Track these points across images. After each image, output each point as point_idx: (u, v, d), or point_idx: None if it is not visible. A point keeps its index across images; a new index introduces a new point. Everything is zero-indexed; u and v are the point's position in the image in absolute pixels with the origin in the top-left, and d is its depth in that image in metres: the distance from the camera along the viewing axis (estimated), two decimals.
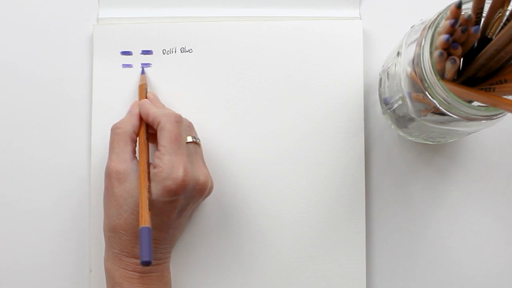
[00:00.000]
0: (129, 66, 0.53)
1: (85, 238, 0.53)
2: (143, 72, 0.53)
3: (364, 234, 0.52)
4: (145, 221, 0.43)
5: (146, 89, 0.52)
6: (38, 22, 0.54)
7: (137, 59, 0.53)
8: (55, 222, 0.53)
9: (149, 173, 0.46)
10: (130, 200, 0.46)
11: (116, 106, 0.53)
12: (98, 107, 0.53)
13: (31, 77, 0.54)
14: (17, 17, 0.54)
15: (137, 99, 0.52)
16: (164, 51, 0.53)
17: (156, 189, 0.45)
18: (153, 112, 0.48)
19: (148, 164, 0.47)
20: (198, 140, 0.49)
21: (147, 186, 0.45)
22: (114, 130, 0.48)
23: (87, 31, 0.54)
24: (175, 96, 0.53)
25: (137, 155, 0.48)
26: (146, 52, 0.53)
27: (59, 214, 0.53)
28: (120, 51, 0.53)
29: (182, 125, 0.47)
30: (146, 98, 0.51)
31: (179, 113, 0.48)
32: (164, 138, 0.46)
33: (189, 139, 0.48)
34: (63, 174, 0.53)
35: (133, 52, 0.53)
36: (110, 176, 0.47)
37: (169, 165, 0.45)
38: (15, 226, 0.53)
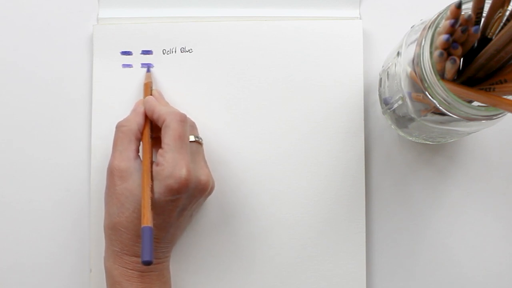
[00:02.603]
0: (129, 66, 0.53)
1: (85, 238, 0.53)
2: (148, 71, 0.53)
3: (364, 234, 0.52)
4: (147, 220, 0.43)
5: (151, 87, 0.52)
6: (38, 22, 0.54)
7: (137, 59, 0.53)
8: (55, 222, 0.53)
9: (151, 170, 0.46)
10: (132, 198, 0.46)
11: (116, 106, 0.53)
12: (98, 107, 0.53)
13: (31, 77, 0.54)
14: (17, 17, 0.54)
15: (140, 97, 0.52)
16: (164, 51, 0.53)
17: (158, 187, 0.45)
18: (158, 109, 0.48)
19: (152, 163, 0.47)
20: (200, 140, 0.49)
21: (150, 185, 0.45)
22: (119, 128, 0.48)
23: (87, 31, 0.54)
24: (175, 96, 0.53)
25: (140, 153, 0.48)
26: (146, 52, 0.53)
27: (59, 214, 0.53)
28: (120, 51, 0.53)
29: (186, 124, 0.48)
30: (151, 95, 0.51)
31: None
32: (168, 136, 0.46)
33: (192, 138, 0.48)
34: (63, 174, 0.53)
35: (133, 52, 0.53)
36: (113, 174, 0.47)
37: (172, 163, 0.45)
38: (15, 226, 0.53)
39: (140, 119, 0.49)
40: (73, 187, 0.53)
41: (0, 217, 0.53)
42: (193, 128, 0.50)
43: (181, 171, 0.45)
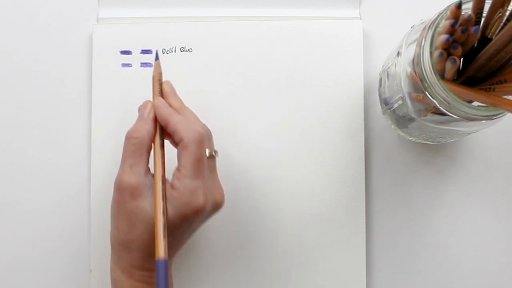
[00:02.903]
0: (128, 65, 0.53)
1: (85, 238, 0.53)
2: (157, 58, 0.47)
3: (364, 234, 0.52)
4: (161, 252, 0.41)
5: (160, 80, 0.47)
6: (38, 22, 0.54)
7: (136, 59, 0.53)
8: (55, 222, 0.53)
9: (165, 190, 0.43)
10: (143, 216, 0.43)
11: (116, 105, 0.53)
12: (97, 107, 0.53)
13: (31, 77, 0.54)
14: (17, 17, 0.54)
15: (139, 97, 0.51)
16: (164, 50, 0.53)
17: (172, 211, 0.43)
18: (174, 122, 0.44)
19: (164, 181, 0.43)
20: (215, 153, 0.46)
21: (164, 208, 0.42)
22: (130, 140, 0.44)
23: (87, 31, 0.54)
24: None
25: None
26: (146, 52, 0.53)
27: (59, 214, 0.53)
28: (120, 50, 0.53)
29: (204, 143, 0.44)
30: (161, 90, 0.46)
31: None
32: (186, 158, 0.43)
33: (207, 152, 0.44)
34: (63, 174, 0.53)
35: (132, 51, 0.53)
36: (122, 190, 0.43)
37: (190, 190, 0.42)
38: (15, 226, 0.53)
39: (150, 128, 0.44)
40: (73, 187, 0.53)
41: (0, 217, 0.53)
42: (209, 140, 0.46)
43: (198, 200, 0.42)
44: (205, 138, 0.44)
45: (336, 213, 0.52)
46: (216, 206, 0.45)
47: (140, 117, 0.45)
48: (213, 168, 0.46)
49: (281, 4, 0.54)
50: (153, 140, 0.45)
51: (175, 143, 0.44)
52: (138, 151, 0.44)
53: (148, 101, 0.46)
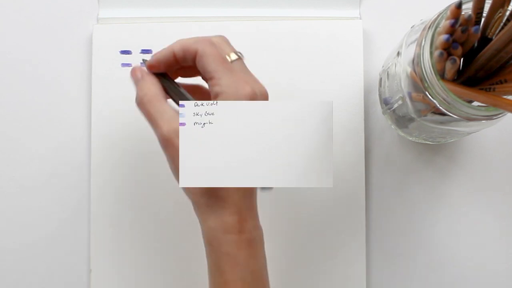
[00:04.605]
0: (128, 65, 0.53)
1: (85, 238, 0.53)
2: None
3: (364, 234, 0.52)
4: None
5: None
6: (38, 22, 0.54)
7: (136, 58, 0.53)
8: (55, 222, 0.53)
9: None
10: None
11: (116, 105, 0.53)
12: (97, 107, 0.53)
13: (31, 76, 0.54)
14: (17, 17, 0.54)
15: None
16: None
17: None
18: (181, 44, 0.43)
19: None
20: (240, 55, 0.44)
21: None
22: (141, 100, 0.43)
23: (87, 31, 0.54)
24: None
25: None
26: (146, 51, 0.53)
27: (59, 214, 0.53)
28: (120, 50, 0.53)
29: (222, 46, 0.43)
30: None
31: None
32: (210, 63, 0.41)
33: (233, 56, 0.43)
34: (63, 173, 0.53)
35: (132, 51, 0.53)
36: (171, 142, 0.42)
37: (233, 85, 0.41)
38: (15, 226, 0.53)
39: (153, 82, 0.43)
40: (73, 187, 0.53)
41: (0, 217, 0.53)
42: (227, 44, 0.44)
43: (245, 88, 0.42)
44: (219, 42, 0.43)
45: (336, 213, 0.52)
46: (264, 95, 0.44)
47: (136, 81, 0.44)
48: (245, 68, 0.44)
49: (281, 4, 0.54)
50: (165, 89, 0.44)
51: (195, 67, 0.43)
52: (157, 102, 0.43)
53: (135, 67, 0.45)
